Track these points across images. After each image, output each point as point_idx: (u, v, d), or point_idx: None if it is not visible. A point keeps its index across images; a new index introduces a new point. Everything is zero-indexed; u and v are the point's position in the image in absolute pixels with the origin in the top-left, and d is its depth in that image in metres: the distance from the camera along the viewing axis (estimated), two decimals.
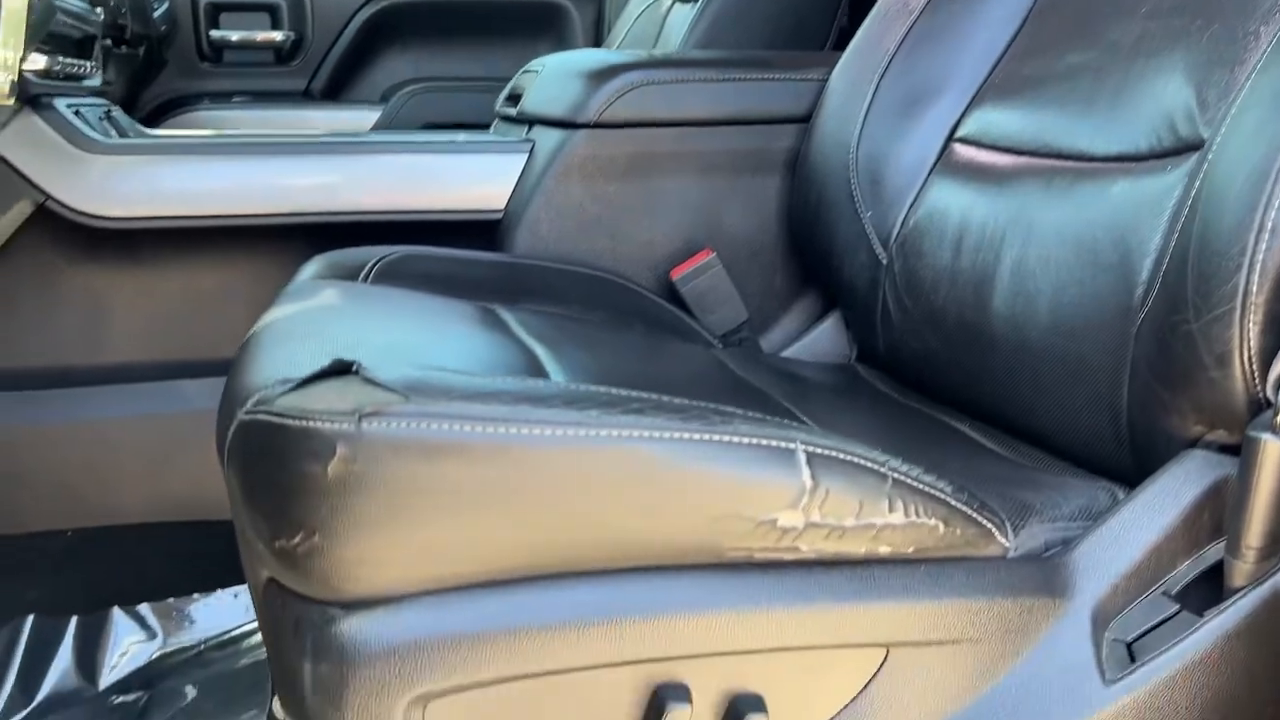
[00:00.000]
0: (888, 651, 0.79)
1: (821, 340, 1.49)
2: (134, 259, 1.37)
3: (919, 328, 1.26)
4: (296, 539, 0.68)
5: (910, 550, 0.78)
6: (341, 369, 0.72)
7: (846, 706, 0.78)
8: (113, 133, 1.43)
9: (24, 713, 1.23)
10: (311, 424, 0.67)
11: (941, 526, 0.79)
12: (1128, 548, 0.85)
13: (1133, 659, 0.82)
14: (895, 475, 0.77)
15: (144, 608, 1.34)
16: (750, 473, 0.72)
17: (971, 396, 1.20)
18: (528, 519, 0.69)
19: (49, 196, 1.29)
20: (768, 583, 0.75)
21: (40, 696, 1.25)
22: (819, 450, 0.74)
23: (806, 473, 0.73)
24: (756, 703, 0.75)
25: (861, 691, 0.79)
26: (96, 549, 1.35)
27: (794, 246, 1.51)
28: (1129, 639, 0.84)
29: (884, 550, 0.77)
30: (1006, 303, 1.13)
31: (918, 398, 1.28)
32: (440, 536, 0.68)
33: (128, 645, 1.30)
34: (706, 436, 0.72)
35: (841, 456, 0.75)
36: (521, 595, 0.70)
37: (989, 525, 0.82)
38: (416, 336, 1.00)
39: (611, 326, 1.29)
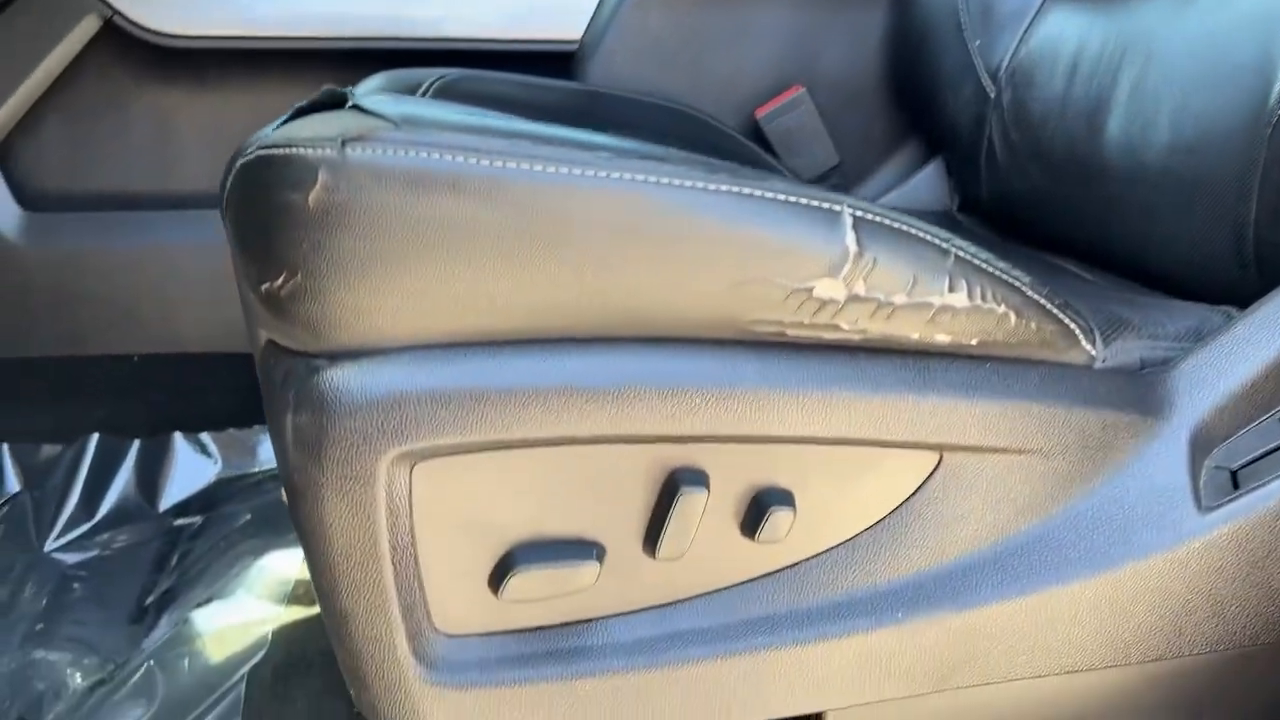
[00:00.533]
0: (941, 455, 0.69)
1: (920, 190, 1.36)
2: (201, 82, 1.34)
3: (1025, 165, 1.14)
4: (280, 279, 0.62)
5: (974, 342, 0.68)
6: (336, 101, 0.66)
7: (891, 514, 0.69)
8: None
9: (85, 527, 1.24)
10: (294, 151, 0.61)
11: (1013, 317, 0.68)
12: (1240, 367, 0.73)
13: (1236, 487, 0.71)
14: (959, 252, 0.67)
15: (205, 435, 1.33)
16: (782, 231, 0.63)
17: (1078, 235, 1.07)
18: (525, 270, 0.61)
19: (115, 11, 1.26)
20: (800, 363, 0.66)
21: (101, 513, 1.26)
22: (868, 215, 0.65)
23: (851, 237, 0.64)
24: (784, 498, 0.67)
25: (909, 499, 0.70)
26: (161, 375, 1.34)
27: (895, 90, 1.39)
28: (1234, 466, 0.72)
29: (942, 339, 0.67)
30: (1121, 128, 1.00)
31: (1020, 245, 1.16)
32: (429, 284, 0.61)
33: (188, 470, 1.30)
34: (732, 189, 0.62)
35: (894, 225, 0.65)
36: (521, 358, 0.63)
37: (1072, 326, 0.71)
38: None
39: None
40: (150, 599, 1.11)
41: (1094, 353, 0.73)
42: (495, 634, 0.67)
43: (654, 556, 0.66)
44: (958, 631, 0.70)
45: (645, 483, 0.66)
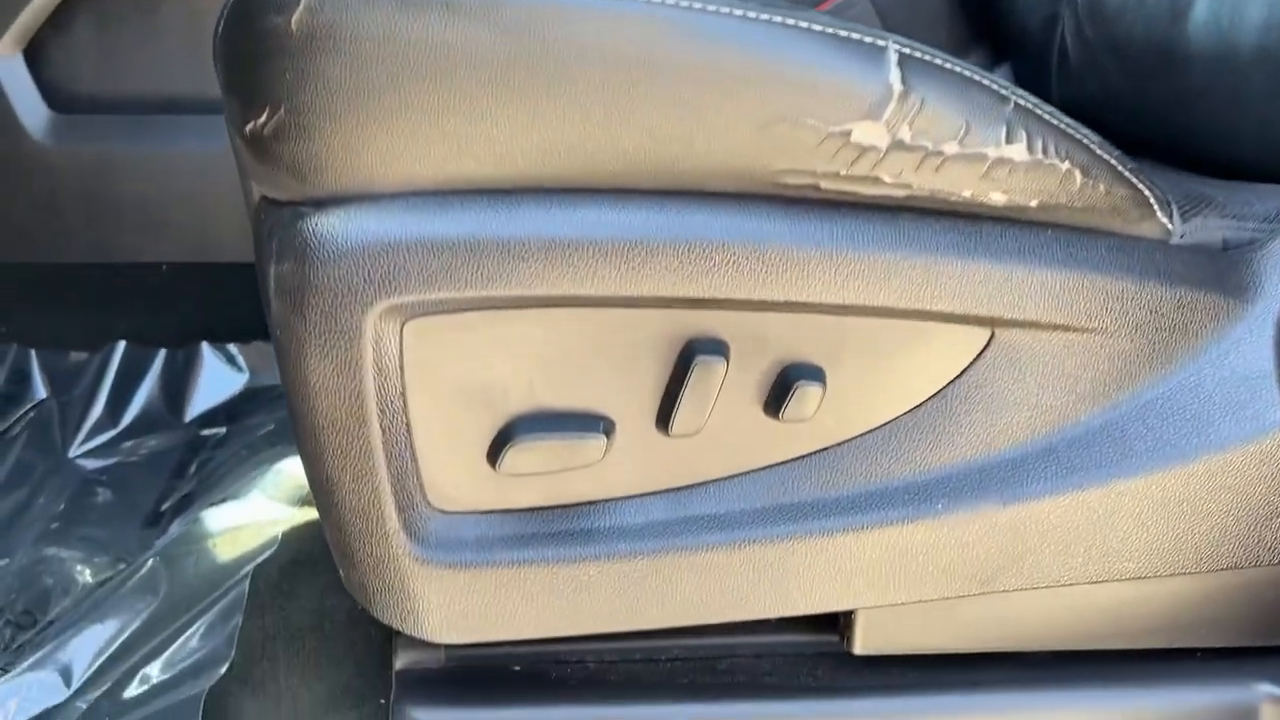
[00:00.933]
0: (993, 332, 0.62)
1: None
2: None
3: (1100, 62, 1.05)
4: (264, 116, 0.56)
5: (1033, 204, 0.60)
6: None
7: (934, 396, 0.63)
8: None
9: (109, 434, 1.21)
10: None
11: (1079, 177, 0.60)
12: None
13: None
14: (1019, 100, 0.59)
15: (233, 346, 1.29)
16: (817, 66, 0.56)
17: (1158, 134, 0.98)
18: (526, 105, 0.55)
19: None
20: (835, 221, 0.59)
21: (126, 421, 1.23)
22: (917, 53, 0.57)
23: (895, 74, 0.56)
24: (813, 373, 0.60)
25: (955, 380, 0.63)
26: (191, 285, 1.31)
27: None
28: None
29: (997, 198, 0.60)
30: (1209, 8, 0.91)
31: None
32: (421, 119, 0.55)
33: (214, 380, 1.27)
34: (761, 15, 0.56)
35: (945, 64, 0.58)
36: (523, 208, 0.57)
37: (1146, 193, 0.63)
38: None
39: None
40: (167, 504, 1.08)
41: (1170, 226, 0.65)
42: (494, 512, 0.61)
43: (667, 433, 0.60)
44: (1004, 527, 0.63)
45: (659, 352, 0.59)
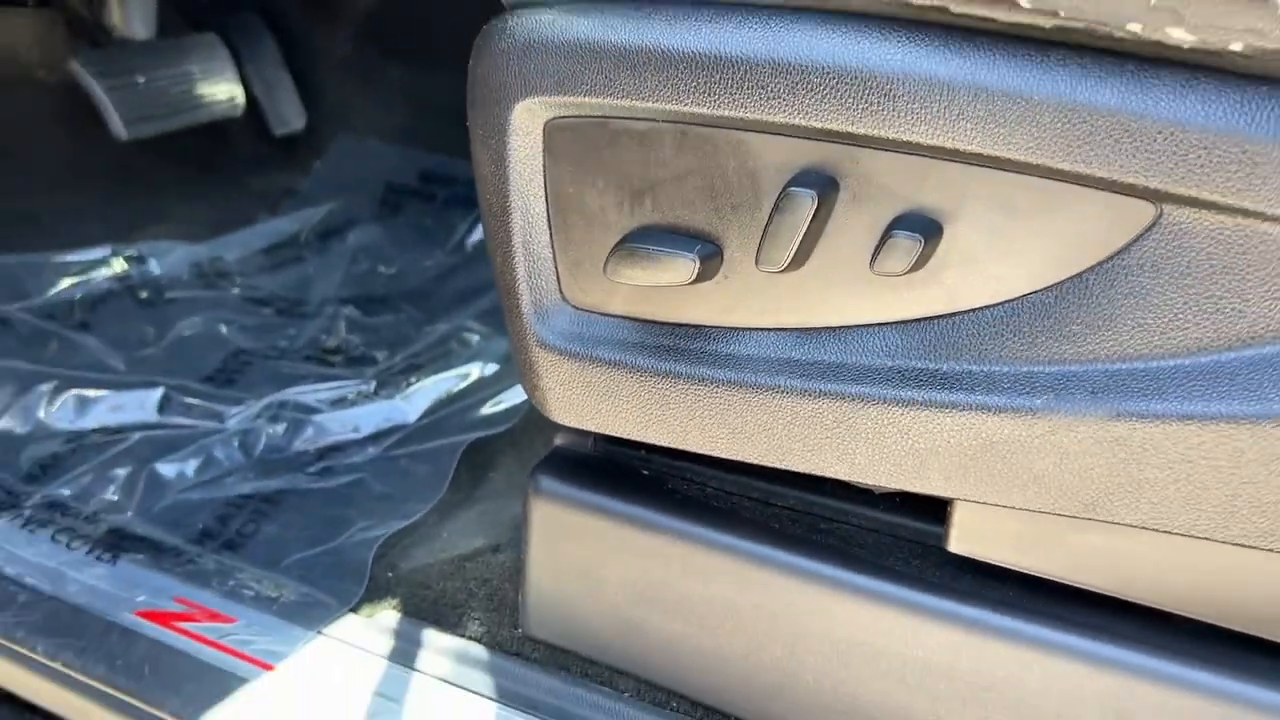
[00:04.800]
0: (1160, 209, 0.50)
1: None
2: None
3: None
4: None
5: (1236, 47, 0.46)
6: None
7: (1073, 278, 0.52)
8: None
9: None
10: None
11: None
12: None
13: None
14: None
15: None
16: None
17: None
18: None
19: None
20: (965, 51, 0.51)
21: None
22: None
23: None
24: (925, 224, 0.54)
25: (1103, 262, 0.51)
26: None
27: None
28: None
29: (1180, 35, 0.47)
30: None
31: None
32: None
33: None
34: None
35: None
36: (662, 15, 0.58)
37: None
38: None
39: None
40: None
41: None
42: (615, 315, 0.65)
43: (757, 263, 0.58)
44: (1114, 444, 0.51)
45: (769, 180, 0.57)
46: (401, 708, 0.71)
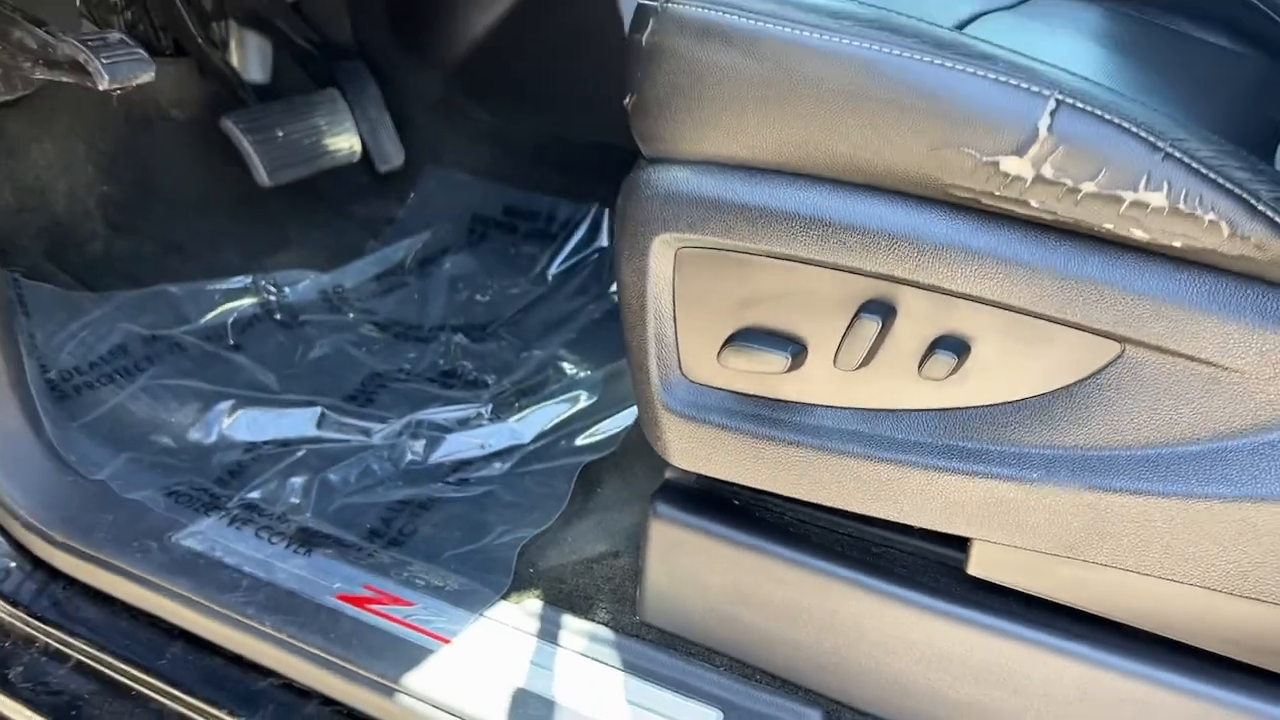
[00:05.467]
0: (1124, 348, 0.72)
1: None
2: None
3: None
4: (628, 98, 0.86)
5: (1177, 244, 0.69)
6: None
7: (1061, 390, 0.74)
8: None
9: None
10: (642, 2, 0.83)
11: (1225, 229, 0.67)
12: None
13: None
14: (1173, 151, 0.67)
15: None
16: (978, 105, 0.70)
17: None
18: (770, 110, 0.77)
19: None
20: (988, 230, 0.73)
21: None
22: (1077, 103, 0.69)
23: (1046, 121, 0.69)
24: (957, 345, 0.76)
25: (1083, 380, 0.74)
26: None
27: None
28: None
29: (1138, 234, 0.69)
30: None
31: None
32: (708, 114, 0.80)
33: None
34: (944, 63, 0.71)
35: (1102, 115, 0.68)
36: (762, 184, 0.80)
37: None
38: None
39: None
40: None
41: None
42: (723, 389, 0.87)
43: (835, 364, 0.80)
44: (1086, 508, 0.73)
45: (844, 303, 0.79)
46: (551, 674, 0.94)
